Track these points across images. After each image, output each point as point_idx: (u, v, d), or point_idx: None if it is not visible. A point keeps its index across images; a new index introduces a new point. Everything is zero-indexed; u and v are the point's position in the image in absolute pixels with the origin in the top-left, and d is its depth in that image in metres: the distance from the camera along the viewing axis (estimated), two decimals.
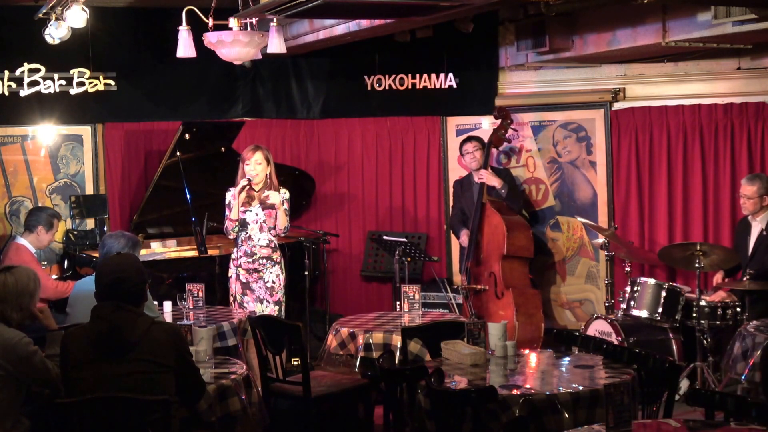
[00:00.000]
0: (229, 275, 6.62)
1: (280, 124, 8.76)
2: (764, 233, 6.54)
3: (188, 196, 7.41)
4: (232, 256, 6.62)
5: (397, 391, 4.43)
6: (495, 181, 7.67)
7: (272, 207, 6.48)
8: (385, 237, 7.82)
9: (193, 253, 7.49)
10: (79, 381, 3.87)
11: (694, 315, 6.46)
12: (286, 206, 6.52)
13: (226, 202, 6.52)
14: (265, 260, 6.50)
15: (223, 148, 7.91)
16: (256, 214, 6.49)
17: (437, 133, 8.72)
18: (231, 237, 6.60)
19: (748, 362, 5.35)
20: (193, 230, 7.34)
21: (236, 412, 4.36)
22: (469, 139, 7.92)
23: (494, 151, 8.05)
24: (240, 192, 6.44)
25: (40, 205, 7.96)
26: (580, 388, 4.12)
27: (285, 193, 6.55)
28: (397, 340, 5.57)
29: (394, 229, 8.68)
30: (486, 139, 7.90)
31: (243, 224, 6.50)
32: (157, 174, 7.63)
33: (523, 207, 8.19)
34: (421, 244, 8.31)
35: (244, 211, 6.49)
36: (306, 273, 7.59)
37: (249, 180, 6.43)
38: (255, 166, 6.44)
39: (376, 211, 8.84)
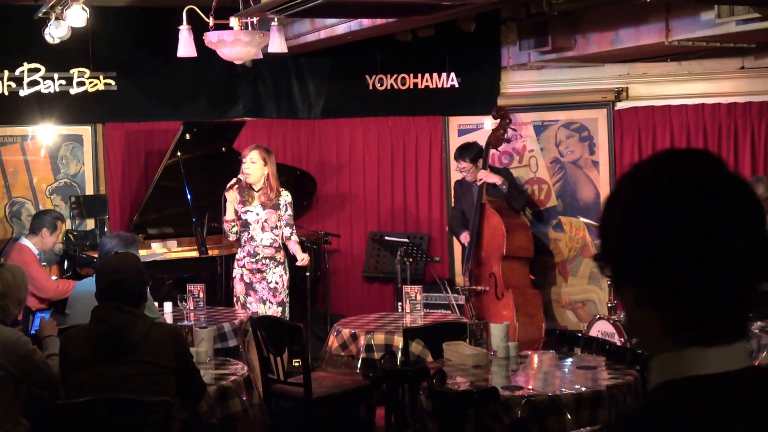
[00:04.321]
0: (233, 275, 6.59)
1: (281, 123, 8.74)
2: None
3: (189, 197, 7.38)
4: (237, 256, 6.59)
5: (399, 392, 4.41)
6: (494, 178, 7.62)
7: (274, 208, 6.45)
8: (386, 237, 7.79)
9: (194, 254, 7.46)
10: (79, 382, 3.85)
11: None
12: (290, 211, 6.50)
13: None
14: (268, 260, 6.46)
15: (223, 148, 7.89)
16: (257, 214, 6.45)
17: (439, 133, 8.70)
18: (230, 239, 6.54)
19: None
20: (193, 231, 7.31)
21: (237, 413, 4.34)
22: (459, 156, 7.60)
23: (494, 152, 7.96)
24: (228, 190, 6.38)
25: (40, 205, 7.94)
26: (583, 389, 4.09)
27: (287, 196, 6.51)
28: (398, 341, 5.54)
29: (396, 229, 8.66)
30: (483, 142, 7.82)
31: (245, 225, 6.47)
32: (158, 174, 7.61)
33: (527, 206, 8.15)
34: (422, 244, 8.28)
35: (246, 212, 6.46)
36: (307, 273, 7.56)
37: (238, 179, 6.38)
38: (249, 165, 6.39)
39: (378, 212, 8.82)
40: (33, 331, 4.92)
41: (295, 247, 6.50)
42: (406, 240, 7.60)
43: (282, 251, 6.54)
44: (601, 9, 7.02)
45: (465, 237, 7.77)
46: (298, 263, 6.51)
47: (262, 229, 6.45)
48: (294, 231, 6.55)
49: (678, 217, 1.21)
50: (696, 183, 1.23)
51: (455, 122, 8.68)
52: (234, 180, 6.37)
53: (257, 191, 6.46)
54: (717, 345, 1.23)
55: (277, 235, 6.50)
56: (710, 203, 1.21)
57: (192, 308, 6.16)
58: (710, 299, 1.21)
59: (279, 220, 6.47)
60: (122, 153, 8.22)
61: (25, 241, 6.97)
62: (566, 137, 8.30)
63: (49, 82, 7.94)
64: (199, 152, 7.69)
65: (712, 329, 1.23)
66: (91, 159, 8.17)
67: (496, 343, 4.76)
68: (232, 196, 6.39)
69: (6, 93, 7.87)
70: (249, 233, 6.46)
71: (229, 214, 6.40)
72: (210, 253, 7.32)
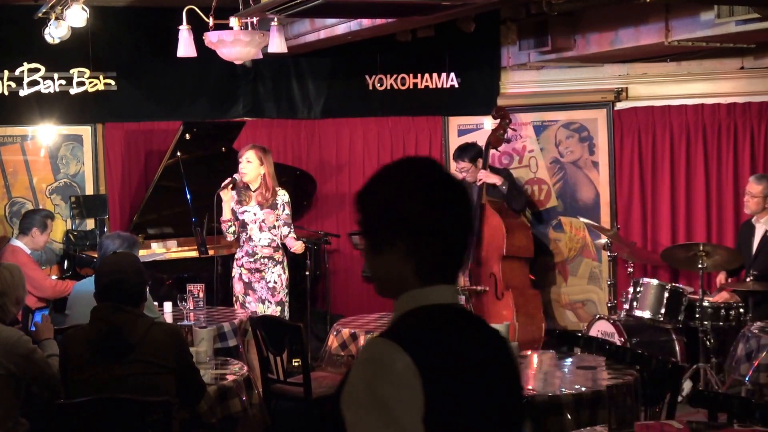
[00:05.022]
0: (233, 275, 6.59)
1: (280, 123, 8.73)
2: None
3: (188, 197, 7.38)
4: (236, 255, 6.60)
5: None
6: (494, 179, 7.61)
7: (272, 208, 6.45)
8: None
9: (194, 254, 7.46)
10: (79, 382, 3.85)
11: (697, 316, 6.43)
12: (288, 210, 6.49)
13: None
14: (267, 260, 6.46)
15: (223, 148, 7.89)
16: (254, 214, 6.45)
17: (439, 133, 8.69)
18: (229, 238, 6.55)
19: (752, 363, 5.32)
20: (193, 231, 7.32)
21: (237, 413, 4.34)
22: (458, 156, 7.62)
23: (494, 152, 7.95)
24: (221, 190, 6.39)
25: (40, 205, 7.94)
26: (583, 389, 4.09)
27: (284, 196, 6.51)
28: None
29: None
30: (483, 142, 7.81)
31: (243, 225, 6.47)
32: (158, 174, 7.61)
33: (527, 206, 8.14)
34: None
35: (243, 212, 6.46)
36: (307, 273, 7.56)
37: (233, 178, 6.39)
38: (245, 164, 6.40)
39: None
40: (32, 327, 4.92)
41: (290, 242, 6.49)
42: None
43: (281, 250, 6.54)
44: (600, 9, 7.02)
45: None
46: (294, 250, 6.48)
47: (260, 229, 6.45)
48: (292, 230, 6.54)
49: (421, 200, 1.88)
50: (429, 178, 1.92)
51: (455, 122, 8.68)
52: (228, 180, 6.37)
53: (254, 191, 6.46)
54: (448, 284, 1.91)
55: (275, 235, 6.49)
56: (438, 191, 1.90)
57: (192, 308, 6.16)
58: (446, 252, 1.89)
59: (277, 220, 6.47)
60: (122, 153, 8.21)
61: (17, 242, 6.96)
62: (566, 137, 8.30)
63: (49, 82, 7.93)
64: (199, 152, 7.69)
65: (448, 273, 1.90)
66: (91, 159, 8.17)
67: None
68: (227, 196, 6.40)
69: (6, 93, 7.87)
70: (247, 233, 6.47)
71: (226, 214, 6.41)
72: (210, 252, 7.33)
